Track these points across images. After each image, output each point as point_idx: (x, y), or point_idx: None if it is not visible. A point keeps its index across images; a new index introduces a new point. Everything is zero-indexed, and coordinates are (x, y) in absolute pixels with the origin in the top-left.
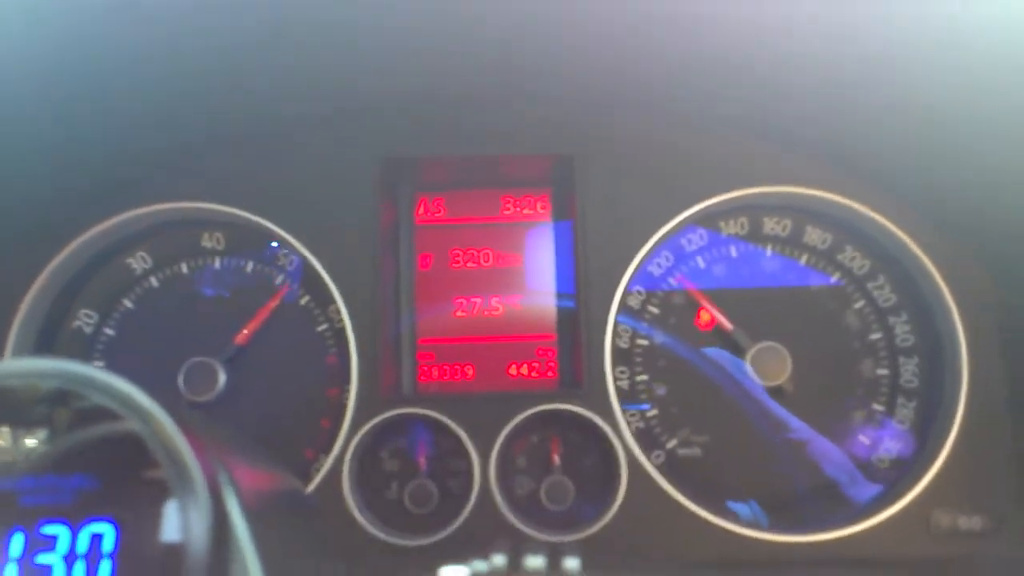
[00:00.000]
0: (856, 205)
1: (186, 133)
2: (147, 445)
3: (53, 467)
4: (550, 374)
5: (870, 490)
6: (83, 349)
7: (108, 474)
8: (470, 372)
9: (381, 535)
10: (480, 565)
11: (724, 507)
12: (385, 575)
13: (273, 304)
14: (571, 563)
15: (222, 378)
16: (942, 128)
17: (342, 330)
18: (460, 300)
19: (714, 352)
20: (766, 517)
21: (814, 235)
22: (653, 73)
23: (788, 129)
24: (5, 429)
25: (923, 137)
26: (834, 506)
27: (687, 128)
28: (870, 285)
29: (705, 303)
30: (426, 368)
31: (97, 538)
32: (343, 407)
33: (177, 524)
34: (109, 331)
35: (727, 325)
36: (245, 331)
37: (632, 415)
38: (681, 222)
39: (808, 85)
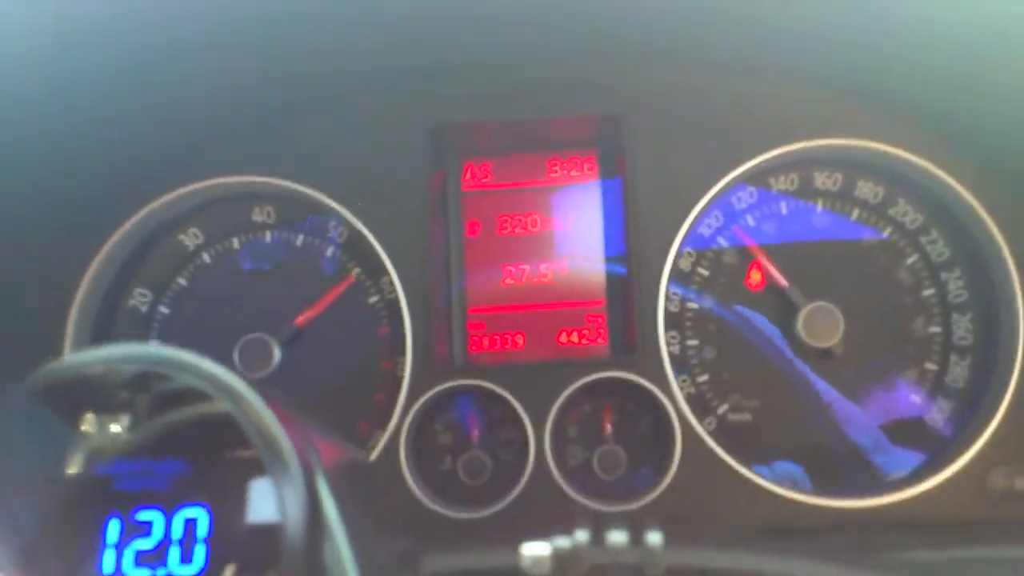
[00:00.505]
0: (909, 156)
1: (233, 107)
2: (238, 425)
3: (143, 452)
4: (600, 341)
5: (908, 458)
6: (139, 328)
7: (198, 457)
8: (520, 341)
9: (440, 508)
10: (563, 541)
11: (775, 472)
12: (446, 548)
13: (336, 292)
14: (654, 537)
15: (277, 354)
16: (999, 76)
17: (394, 301)
18: (509, 267)
19: (757, 318)
20: (811, 483)
21: (865, 188)
22: (698, 25)
23: (838, 79)
24: (91, 416)
25: (979, 85)
26: (875, 473)
27: (735, 83)
28: (923, 239)
29: (762, 258)
30: (477, 338)
31: (191, 523)
32: (397, 380)
33: (270, 504)
34: (164, 309)
35: (782, 282)
36: (304, 316)
37: (684, 381)
38: (731, 180)
39: (858, 32)
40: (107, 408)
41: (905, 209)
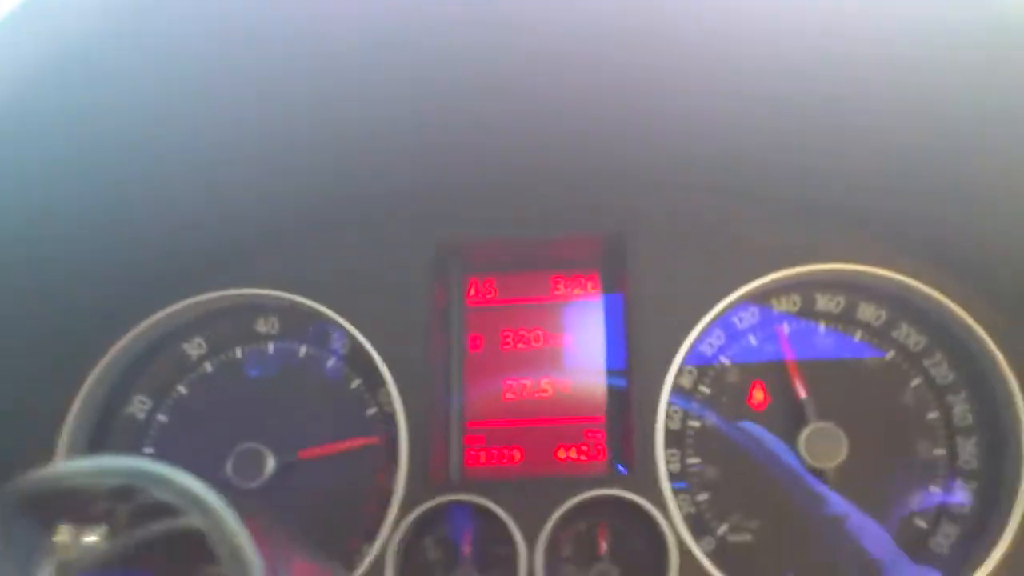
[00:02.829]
0: (911, 281)
1: (238, 222)
2: (209, 542)
3: (114, 565)
4: (599, 457)
5: (925, 574)
6: (136, 435)
7: (168, 572)
8: (517, 456)
9: None
10: None
11: None
12: None
13: (348, 445)
14: None
15: (271, 464)
16: (999, 202)
17: (391, 414)
18: (510, 382)
19: (762, 433)
20: None
21: (868, 311)
22: (702, 150)
23: (840, 205)
24: (66, 527)
25: (980, 211)
26: None
27: (738, 205)
28: (926, 362)
29: (794, 371)
30: (474, 452)
31: None
32: (389, 493)
33: None
34: (162, 417)
35: (801, 393)
36: (310, 452)
37: (683, 499)
38: (734, 300)
39: (859, 160)
40: (84, 518)
41: (908, 332)
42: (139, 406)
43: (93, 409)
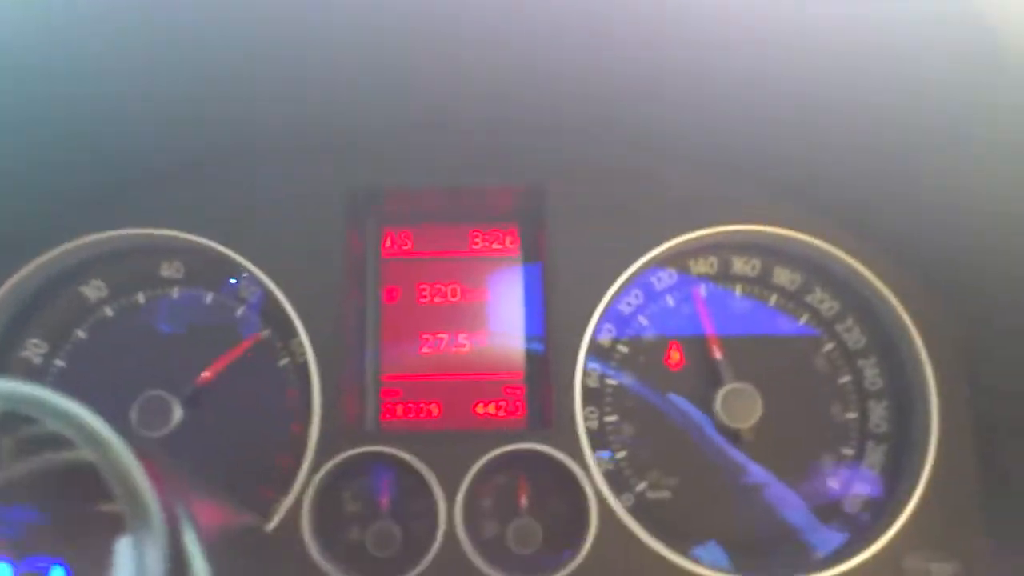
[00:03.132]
0: (825, 245)
1: (143, 156)
2: (101, 476)
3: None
4: (518, 413)
5: (834, 538)
6: (31, 380)
7: (56, 507)
8: (435, 410)
9: None
10: None
11: (692, 551)
12: None
13: (242, 348)
14: None
15: (178, 413)
16: (914, 170)
17: (304, 364)
18: (426, 336)
19: (677, 399)
20: (730, 562)
21: (783, 276)
22: (623, 104)
23: (758, 167)
24: None
25: (894, 178)
26: (802, 552)
27: (656, 164)
28: (839, 327)
29: (711, 332)
30: (390, 405)
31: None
32: (304, 444)
33: (131, 562)
34: (60, 362)
35: (717, 354)
36: (208, 372)
37: (602, 459)
38: (650, 260)
39: (779, 123)
40: None
41: (822, 297)
42: (34, 350)
43: None
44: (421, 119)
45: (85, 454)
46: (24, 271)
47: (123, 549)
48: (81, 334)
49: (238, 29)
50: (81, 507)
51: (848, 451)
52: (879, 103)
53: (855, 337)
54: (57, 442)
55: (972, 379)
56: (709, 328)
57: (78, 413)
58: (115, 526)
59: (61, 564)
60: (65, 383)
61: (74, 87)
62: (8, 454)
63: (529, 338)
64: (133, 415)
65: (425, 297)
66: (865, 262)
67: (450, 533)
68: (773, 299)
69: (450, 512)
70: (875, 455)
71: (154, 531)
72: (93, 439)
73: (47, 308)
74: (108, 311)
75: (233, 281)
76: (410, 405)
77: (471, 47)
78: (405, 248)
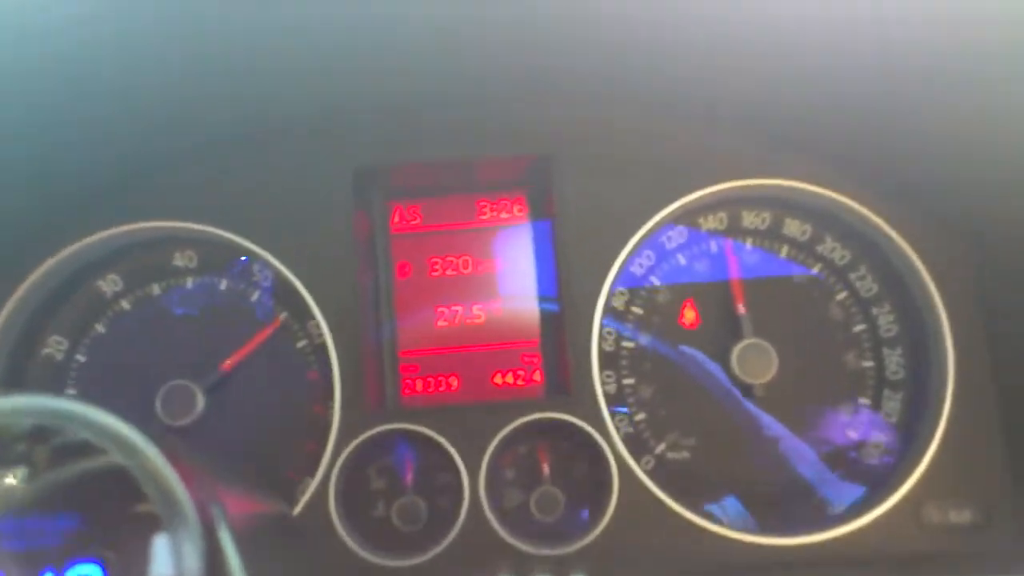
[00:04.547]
0: (835, 195)
1: (153, 150)
2: (134, 479)
3: (35, 507)
4: (535, 381)
5: (853, 491)
6: (55, 377)
7: (92, 512)
8: (454, 383)
9: (371, 557)
10: None
11: (713, 511)
12: None
13: (264, 335)
14: None
15: (201, 401)
16: (925, 116)
17: (322, 345)
18: (441, 309)
19: (693, 352)
20: (752, 519)
21: (793, 227)
22: (625, 66)
23: (765, 120)
24: None
25: (904, 125)
26: (821, 507)
27: (661, 124)
28: (852, 276)
29: (737, 288)
30: (410, 381)
31: None
32: (327, 425)
33: (168, 560)
34: (81, 357)
35: (741, 309)
36: (230, 361)
37: (620, 420)
38: (661, 220)
39: (786, 75)
40: (2, 461)
41: (833, 246)
42: (55, 346)
43: (5, 351)
44: (422, 95)
45: (116, 459)
46: (41, 269)
47: (160, 547)
48: (100, 328)
49: (243, 11)
50: (117, 509)
51: (864, 400)
52: (886, 47)
53: (868, 285)
54: (89, 449)
55: (989, 323)
56: (736, 284)
57: (108, 422)
58: (152, 526)
59: (99, 564)
60: (88, 378)
61: (82, 75)
62: (42, 464)
63: (543, 306)
64: (158, 405)
65: (437, 270)
66: (875, 209)
67: (475, 505)
68: (784, 251)
69: (474, 485)
70: (892, 403)
71: (190, 529)
72: (124, 446)
73: (65, 305)
74: (125, 304)
75: (243, 259)
76: (429, 379)
77: (471, 21)
78: (414, 223)
